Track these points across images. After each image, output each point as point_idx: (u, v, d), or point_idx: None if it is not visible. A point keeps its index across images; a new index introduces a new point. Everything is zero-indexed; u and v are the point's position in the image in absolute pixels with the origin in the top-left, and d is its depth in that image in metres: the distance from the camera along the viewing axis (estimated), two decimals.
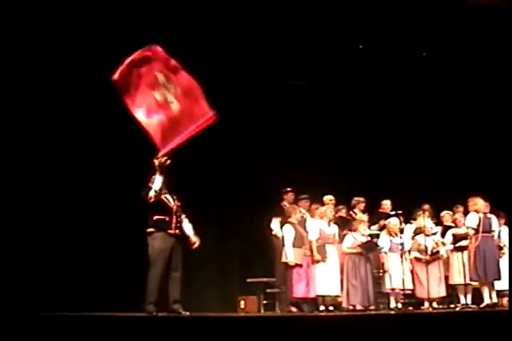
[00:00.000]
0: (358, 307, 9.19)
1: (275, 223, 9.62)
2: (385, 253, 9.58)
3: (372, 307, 9.23)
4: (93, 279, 9.19)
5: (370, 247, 9.43)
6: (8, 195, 8.87)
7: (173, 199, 7.46)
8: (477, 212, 9.23)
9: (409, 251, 9.79)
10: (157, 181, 7.27)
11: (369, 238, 9.51)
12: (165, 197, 7.41)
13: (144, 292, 7.17)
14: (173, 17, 9.76)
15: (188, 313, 7.20)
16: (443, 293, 9.68)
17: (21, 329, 5.60)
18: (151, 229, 7.28)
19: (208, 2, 9.75)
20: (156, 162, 7.29)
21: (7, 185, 8.90)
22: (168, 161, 7.31)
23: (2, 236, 8.59)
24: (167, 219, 7.32)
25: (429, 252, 9.73)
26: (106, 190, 9.72)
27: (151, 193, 7.24)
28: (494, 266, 9.03)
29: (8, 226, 8.66)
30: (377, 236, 9.69)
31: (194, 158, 9.94)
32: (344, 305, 9.22)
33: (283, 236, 9.06)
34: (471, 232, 9.24)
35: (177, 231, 7.35)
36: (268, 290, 9.71)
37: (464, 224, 9.53)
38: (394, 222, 9.67)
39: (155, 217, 7.32)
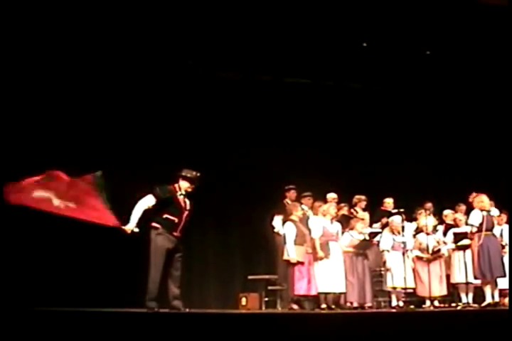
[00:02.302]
0: (355, 304, 9.21)
1: (277, 220, 9.62)
2: (387, 251, 9.57)
3: (368, 305, 9.26)
4: (94, 275, 9.21)
5: (365, 245, 9.46)
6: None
7: (189, 204, 7.47)
8: (481, 209, 9.20)
9: (410, 250, 9.78)
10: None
11: (367, 236, 9.52)
12: (183, 200, 7.41)
13: (144, 288, 7.19)
14: (176, 14, 9.76)
15: (187, 310, 7.22)
16: (444, 291, 9.68)
17: (24, 325, 5.61)
18: (157, 226, 7.28)
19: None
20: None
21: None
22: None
23: (0, 232, 8.61)
24: (176, 220, 7.32)
25: (430, 251, 9.72)
26: (107, 187, 9.72)
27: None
28: (499, 264, 9.01)
29: (6, 222, 8.66)
30: (376, 234, 9.67)
31: (196, 156, 9.95)
32: (341, 301, 9.22)
33: (284, 234, 9.06)
34: (474, 230, 9.22)
35: (180, 234, 7.36)
36: (269, 288, 9.72)
37: (465, 223, 9.50)
38: (396, 220, 9.67)
39: (164, 215, 7.31)
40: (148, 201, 7.30)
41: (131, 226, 7.16)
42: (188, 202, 7.48)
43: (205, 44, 10.35)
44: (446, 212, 10.17)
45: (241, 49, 10.59)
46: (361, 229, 9.60)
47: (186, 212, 7.40)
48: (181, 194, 7.43)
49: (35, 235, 9.01)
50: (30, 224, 8.93)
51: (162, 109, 10.45)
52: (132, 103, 10.21)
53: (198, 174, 7.53)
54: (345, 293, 9.23)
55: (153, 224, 7.28)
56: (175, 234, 7.29)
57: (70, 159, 9.49)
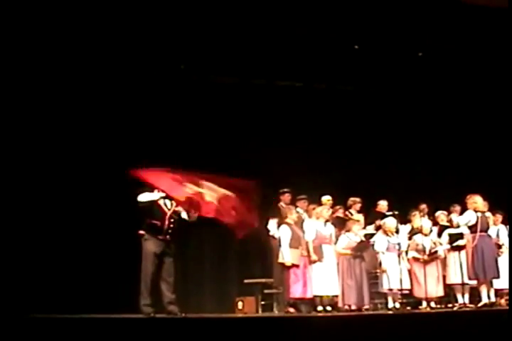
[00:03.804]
0: (353, 307, 9.20)
1: (272, 224, 9.61)
2: (382, 253, 9.56)
3: (366, 307, 9.25)
4: (91, 281, 9.18)
5: (363, 247, 9.46)
6: (5, 198, 8.87)
7: (171, 204, 7.46)
8: (475, 210, 9.22)
9: (406, 251, 9.78)
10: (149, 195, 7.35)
11: (363, 238, 9.52)
12: (163, 203, 7.41)
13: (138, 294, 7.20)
14: (169, 19, 9.77)
15: (183, 314, 7.21)
16: (441, 292, 9.67)
17: (20, 332, 5.60)
18: (142, 232, 7.32)
19: (205, 4, 9.76)
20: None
21: (5, 187, 8.91)
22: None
23: None
24: (159, 224, 7.32)
25: (427, 252, 9.72)
26: (103, 192, 9.72)
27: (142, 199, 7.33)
28: (493, 265, 9.04)
29: (4, 228, 8.65)
30: (372, 235, 9.68)
31: (193, 159, 9.95)
32: (339, 304, 9.23)
33: (280, 237, 9.05)
34: (465, 231, 9.24)
35: (167, 236, 7.35)
36: (266, 291, 9.71)
37: (457, 223, 9.52)
38: (390, 222, 9.66)
39: (148, 221, 7.33)
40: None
41: None
42: (169, 202, 7.47)
43: (197, 49, 10.35)
44: (438, 213, 10.17)
45: (234, 53, 10.60)
46: (358, 231, 9.60)
47: (169, 214, 7.40)
48: (161, 197, 7.43)
49: (32, 242, 8.99)
50: (26, 230, 8.94)
51: (156, 113, 10.44)
52: (126, 107, 10.20)
53: None
54: (343, 296, 9.22)
55: (140, 232, 7.32)
56: (160, 237, 7.29)
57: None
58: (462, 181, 11.30)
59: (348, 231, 9.58)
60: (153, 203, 7.39)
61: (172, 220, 7.40)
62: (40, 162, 9.37)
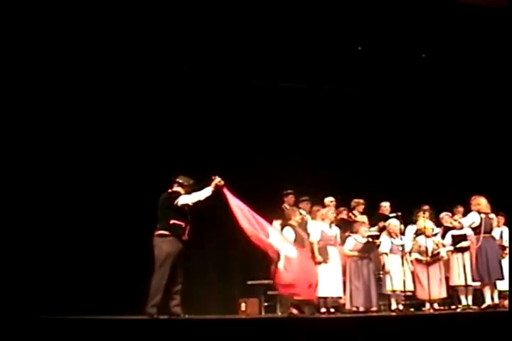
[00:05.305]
0: (361, 308, 9.18)
1: (276, 225, 9.60)
2: (386, 254, 9.56)
3: (374, 309, 9.23)
4: (94, 282, 9.20)
5: (369, 248, 9.44)
6: (10, 198, 8.91)
7: None
8: (479, 212, 9.21)
9: (409, 253, 9.77)
10: (198, 195, 7.38)
11: (369, 239, 9.51)
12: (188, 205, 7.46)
13: (145, 295, 7.18)
14: (172, 21, 9.80)
15: (187, 316, 7.21)
16: (444, 294, 9.67)
17: (23, 332, 5.62)
18: (164, 232, 7.28)
19: (208, 6, 9.79)
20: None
21: (10, 187, 8.94)
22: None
23: (4, 239, 8.62)
24: (183, 225, 7.34)
25: (429, 253, 9.72)
26: (109, 193, 9.74)
27: (185, 201, 7.33)
28: (497, 266, 9.03)
29: (10, 229, 8.68)
30: (377, 236, 9.67)
31: (192, 162, 9.96)
32: (347, 306, 9.21)
33: None
34: (469, 232, 9.23)
35: (188, 238, 7.38)
36: (269, 292, 9.70)
37: (459, 223, 9.52)
38: (394, 223, 9.66)
39: (171, 221, 7.32)
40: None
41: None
42: None
43: (201, 50, 10.37)
44: (442, 214, 10.17)
45: (237, 54, 10.62)
46: (365, 232, 9.58)
47: (189, 215, 7.45)
48: (198, 200, 7.47)
49: (39, 244, 9.02)
50: (34, 232, 8.97)
51: (158, 115, 10.47)
52: (127, 109, 10.23)
53: (193, 182, 7.57)
54: (350, 298, 9.20)
55: (161, 232, 7.28)
56: (183, 238, 7.31)
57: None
58: (464, 182, 11.29)
59: (354, 232, 9.57)
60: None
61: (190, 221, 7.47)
62: (46, 164, 9.40)
